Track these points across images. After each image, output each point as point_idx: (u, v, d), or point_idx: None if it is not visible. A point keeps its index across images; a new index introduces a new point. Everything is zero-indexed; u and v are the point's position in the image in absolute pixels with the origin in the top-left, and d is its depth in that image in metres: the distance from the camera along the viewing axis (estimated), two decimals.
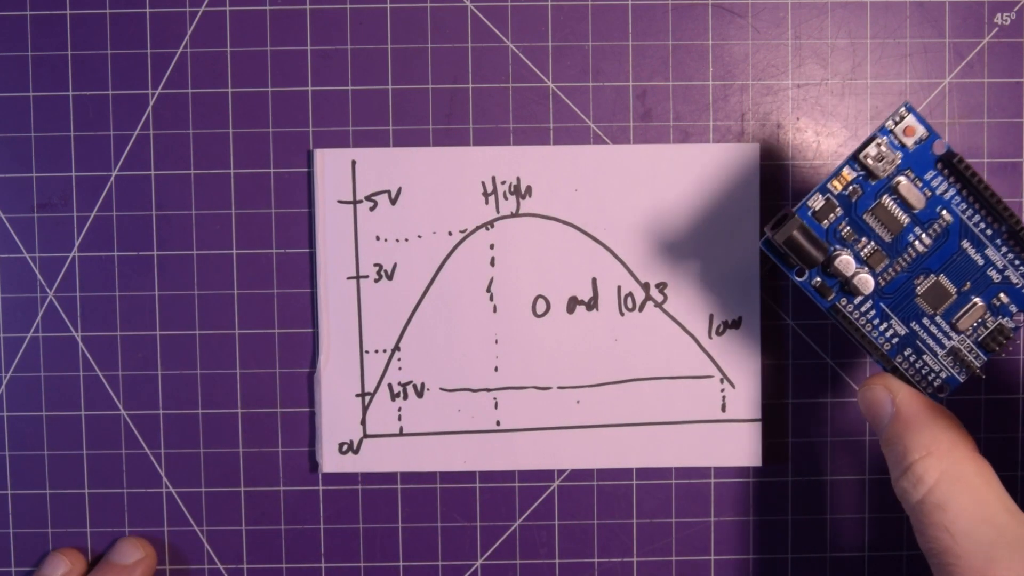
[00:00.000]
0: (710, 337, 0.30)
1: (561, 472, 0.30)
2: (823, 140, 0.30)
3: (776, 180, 0.30)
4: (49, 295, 0.30)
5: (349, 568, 0.30)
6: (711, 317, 0.30)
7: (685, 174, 0.30)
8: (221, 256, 0.30)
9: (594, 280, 0.30)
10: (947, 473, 0.22)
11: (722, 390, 0.30)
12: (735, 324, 0.30)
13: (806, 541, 0.30)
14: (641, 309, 0.30)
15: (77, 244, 0.30)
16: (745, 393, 0.30)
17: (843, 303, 0.25)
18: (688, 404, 0.30)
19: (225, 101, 0.30)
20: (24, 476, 0.30)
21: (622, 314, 0.30)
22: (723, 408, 0.30)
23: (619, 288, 0.30)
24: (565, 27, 0.30)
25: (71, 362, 0.30)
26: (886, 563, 0.30)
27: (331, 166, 0.30)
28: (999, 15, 0.30)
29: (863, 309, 0.25)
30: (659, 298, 0.30)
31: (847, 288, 0.25)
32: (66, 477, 0.30)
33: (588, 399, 0.30)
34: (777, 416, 0.30)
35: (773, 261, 0.25)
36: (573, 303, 0.30)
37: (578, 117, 0.30)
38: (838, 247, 0.25)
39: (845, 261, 0.25)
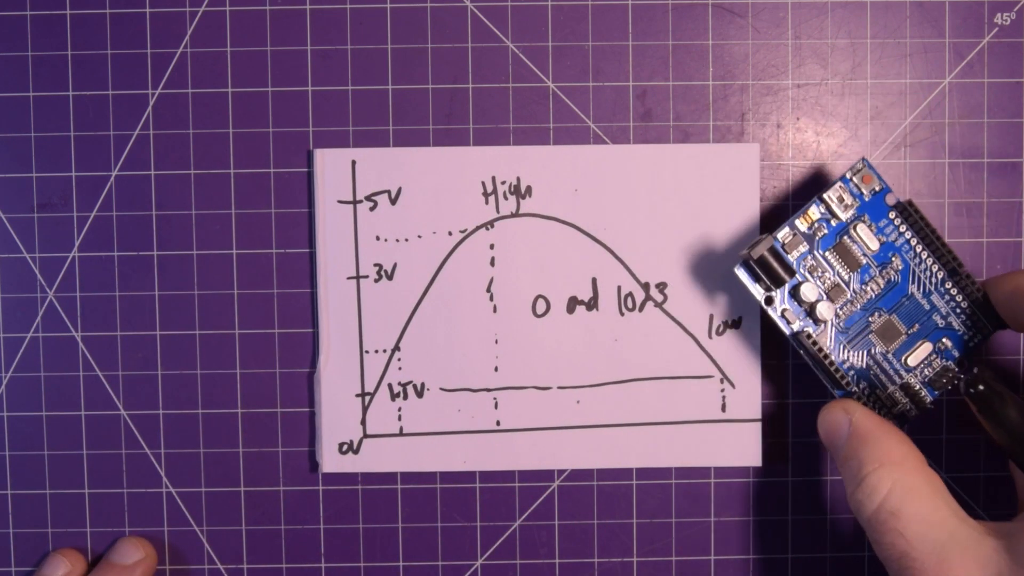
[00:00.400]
0: (710, 337, 0.30)
1: (561, 472, 0.30)
2: (823, 140, 0.30)
3: (776, 180, 0.30)
4: (49, 295, 0.30)
5: (349, 568, 0.30)
6: (711, 317, 0.30)
7: (685, 174, 0.30)
8: (221, 256, 0.30)
9: (594, 280, 0.30)
10: (899, 482, 0.24)
11: (722, 390, 0.30)
12: (735, 324, 0.30)
13: (806, 541, 0.30)
14: (641, 309, 0.30)
15: (77, 244, 0.30)
16: (745, 393, 0.30)
17: (808, 331, 0.27)
18: (688, 404, 0.30)
19: (225, 101, 0.30)
20: (24, 476, 0.30)
21: (622, 314, 0.30)
22: (723, 408, 0.30)
23: (619, 288, 0.30)
24: (565, 27, 0.30)
25: (71, 362, 0.30)
26: None
27: (331, 166, 0.30)
28: (999, 15, 0.30)
29: (824, 341, 0.27)
30: (659, 298, 0.30)
31: (811, 316, 0.27)
32: (66, 477, 0.30)
33: (588, 399, 0.30)
34: (777, 416, 0.30)
35: (746, 287, 0.27)
36: (573, 303, 0.30)
37: (578, 117, 0.30)
38: (805, 277, 0.27)
39: (809, 288, 0.27)
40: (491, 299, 0.30)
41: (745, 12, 0.30)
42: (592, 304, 0.30)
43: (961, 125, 0.30)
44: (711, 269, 0.30)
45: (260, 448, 0.30)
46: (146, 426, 0.30)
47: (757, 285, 0.27)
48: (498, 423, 0.30)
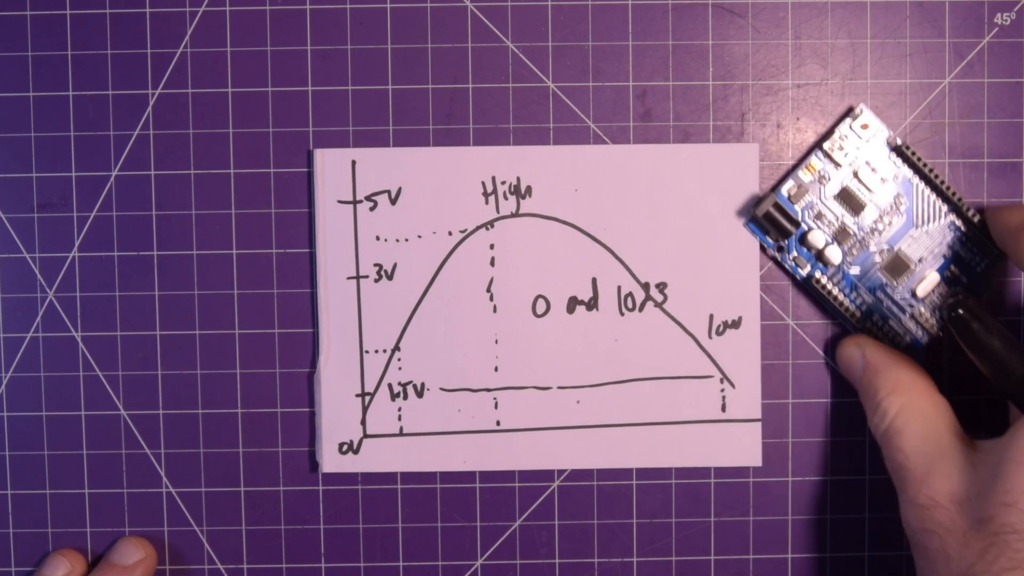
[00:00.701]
0: (710, 337, 0.30)
1: (561, 472, 0.30)
2: None
3: (776, 180, 0.30)
4: (49, 295, 0.30)
5: (349, 568, 0.30)
6: (711, 317, 0.30)
7: (685, 174, 0.30)
8: (221, 256, 0.30)
9: (594, 280, 0.30)
10: (906, 405, 0.26)
11: (722, 390, 0.30)
12: (735, 324, 0.30)
13: (806, 541, 0.30)
14: (641, 309, 0.30)
15: (77, 244, 0.30)
16: (745, 393, 0.30)
17: (817, 275, 0.29)
18: (688, 404, 0.30)
19: (225, 101, 0.30)
20: (24, 476, 0.30)
21: (622, 314, 0.30)
22: (723, 408, 0.30)
23: (619, 288, 0.30)
24: (565, 27, 0.30)
25: (71, 362, 0.30)
26: (886, 563, 0.30)
27: (331, 166, 0.30)
28: (999, 15, 0.30)
29: (835, 280, 0.29)
30: (659, 298, 0.30)
31: (821, 260, 0.29)
32: (66, 477, 0.30)
33: (588, 399, 0.30)
34: (777, 416, 0.30)
35: (759, 240, 0.29)
36: (573, 303, 0.30)
37: (578, 117, 0.30)
38: (811, 225, 0.29)
39: (817, 235, 0.29)
40: (491, 299, 0.30)
41: (745, 12, 0.30)
42: (592, 304, 0.30)
43: (961, 125, 0.30)
44: (711, 269, 0.30)
45: (260, 448, 0.30)
46: (146, 426, 0.30)
47: (767, 238, 0.29)
48: (498, 423, 0.30)
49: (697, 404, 0.30)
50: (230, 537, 0.30)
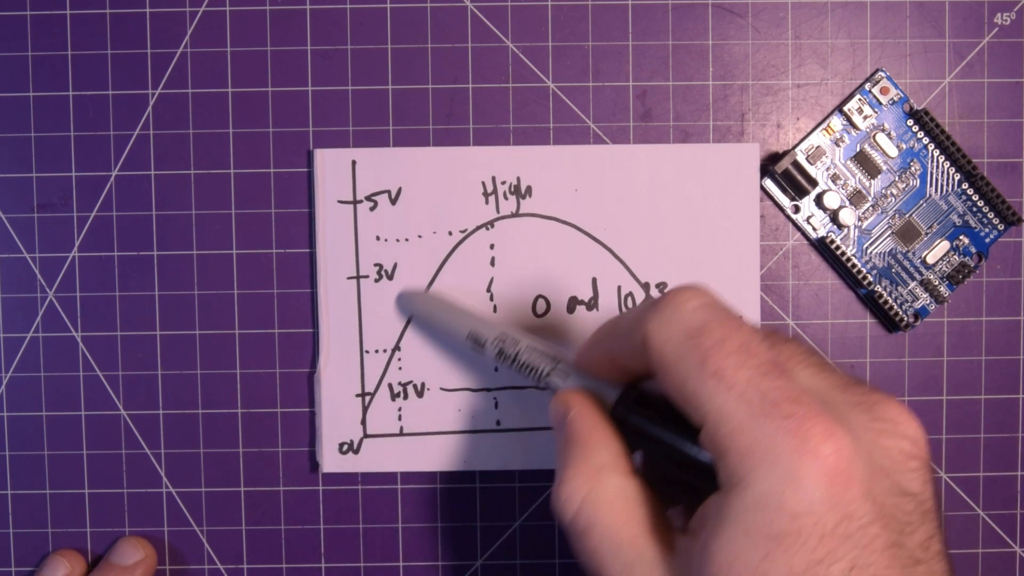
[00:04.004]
0: None
1: None
2: None
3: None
4: (49, 295, 0.30)
5: (349, 568, 0.30)
6: None
7: (685, 174, 0.30)
8: (221, 256, 0.30)
9: (594, 280, 0.30)
10: (591, 496, 0.22)
11: None
12: None
13: None
14: None
15: (77, 244, 0.30)
16: None
17: (831, 236, 0.29)
18: None
19: (225, 101, 0.30)
20: (24, 476, 0.30)
21: None
22: None
23: (619, 288, 0.30)
24: (565, 27, 0.30)
25: (71, 362, 0.30)
26: None
27: (331, 166, 0.30)
28: (999, 15, 0.30)
29: (847, 244, 0.30)
30: None
31: (835, 222, 0.30)
32: (66, 477, 0.30)
33: None
34: None
35: (774, 201, 0.30)
36: (573, 303, 0.30)
37: (578, 117, 0.30)
38: (828, 186, 0.29)
39: (832, 196, 0.29)
40: (491, 299, 0.30)
41: (745, 12, 0.30)
42: (592, 304, 0.30)
43: (961, 125, 0.30)
44: (711, 269, 0.30)
45: (260, 448, 0.30)
46: (146, 426, 0.30)
47: (784, 196, 0.30)
48: (498, 423, 0.30)
49: None
50: (230, 537, 0.30)
